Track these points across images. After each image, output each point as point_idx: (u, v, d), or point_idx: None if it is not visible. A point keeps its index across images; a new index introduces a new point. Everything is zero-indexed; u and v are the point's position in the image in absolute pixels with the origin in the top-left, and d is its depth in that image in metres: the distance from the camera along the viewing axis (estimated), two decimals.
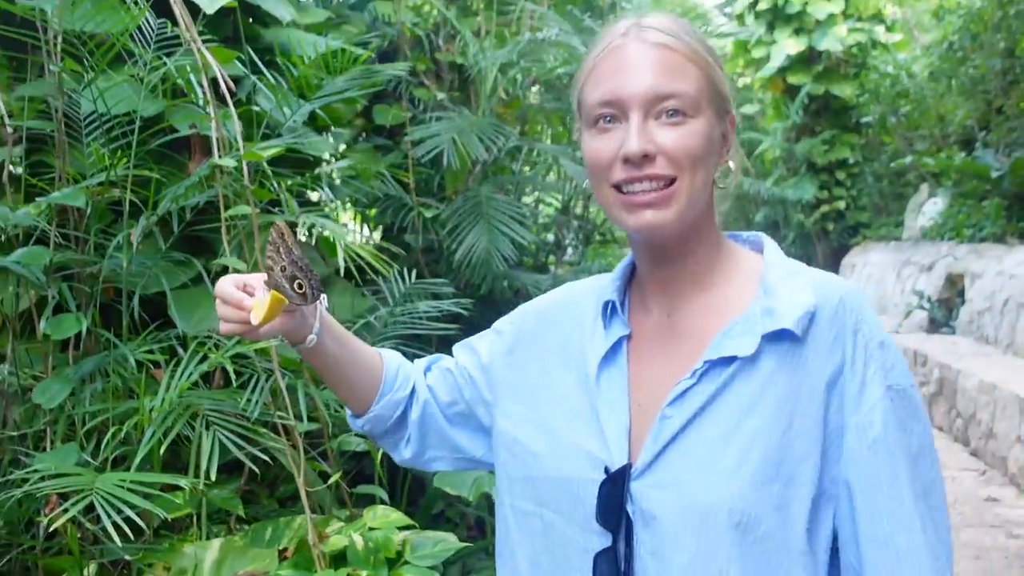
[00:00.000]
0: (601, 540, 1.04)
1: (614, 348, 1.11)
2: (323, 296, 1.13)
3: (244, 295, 1.09)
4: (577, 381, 1.13)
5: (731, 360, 1.03)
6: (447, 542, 2.10)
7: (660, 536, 1.00)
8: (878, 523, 1.01)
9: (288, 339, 1.15)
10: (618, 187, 1.04)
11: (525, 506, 1.13)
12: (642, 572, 1.02)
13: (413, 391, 1.27)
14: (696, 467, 1.00)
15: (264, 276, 1.11)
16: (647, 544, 1.01)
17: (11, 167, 2.48)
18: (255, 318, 1.06)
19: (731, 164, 1.11)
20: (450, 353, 1.33)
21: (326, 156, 3.14)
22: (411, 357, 1.35)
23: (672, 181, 1.02)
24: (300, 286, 1.07)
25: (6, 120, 2.43)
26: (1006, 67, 9.04)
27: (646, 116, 1.02)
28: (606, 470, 1.04)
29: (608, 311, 1.14)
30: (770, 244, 1.14)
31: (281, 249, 1.07)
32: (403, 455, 1.29)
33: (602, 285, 1.18)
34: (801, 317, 1.02)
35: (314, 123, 3.11)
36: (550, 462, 1.10)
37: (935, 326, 8.06)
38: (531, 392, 1.17)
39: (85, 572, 1.98)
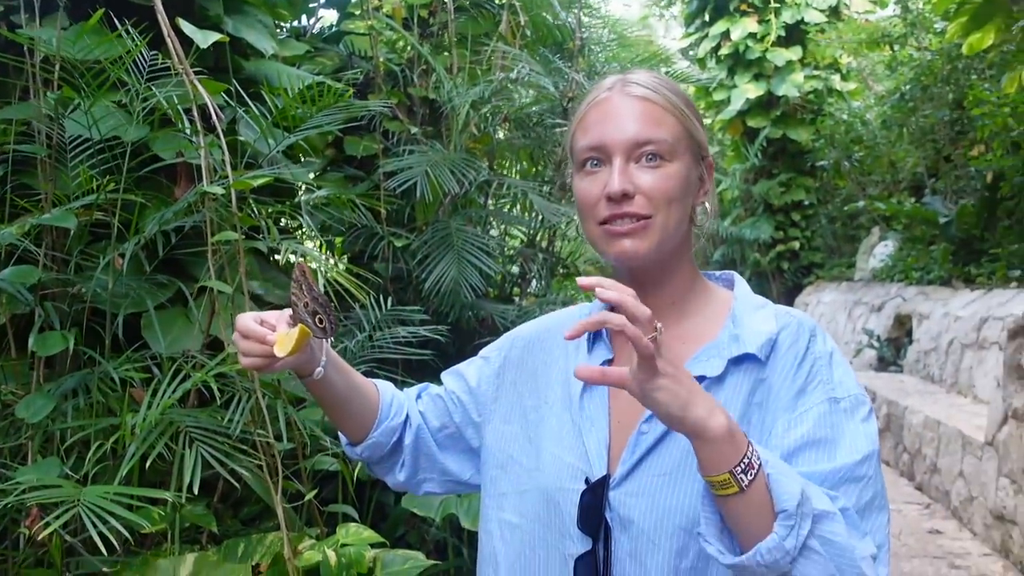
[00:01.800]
0: (580, 546, 1.13)
1: None
2: None
3: (267, 331, 1.14)
4: (562, 401, 1.23)
5: (700, 380, 1.13)
6: (417, 560, 2.17)
7: (637, 538, 1.10)
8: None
9: (297, 372, 1.21)
10: (602, 223, 1.15)
11: (511, 519, 1.22)
12: (620, 573, 1.11)
13: (407, 418, 1.35)
14: (669, 476, 1.10)
15: (278, 313, 1.18)
16: (625, 547, 1.11)
17: None
18: (281, 351, 1.11)
19: (707, 205, 1.22)
20: (419, 376, 1.42)
21: (302, 185, 3.22)
22: (383, 379, 1.43)
23: (649, 218, 1.13)
24: (320, 320, 1.14)
25: None
26: (954, 118, 9.37)
27: (627, 160, 1.14)
28: (587, 480, 1.14)
29: (592, 336, 1.25)
30: (740, 282, 1.27)
31: (303, 286, 1.14)
32: (397, 479, 1.37)
33: (587, 312, 1.29)
34: (764, 344, 1.14)
35: (288, 151, 3.19)
36: (537, 476, 1.20)
37: (884, 364, 8.28)
38: (521, 412, 1.27)
39: None
